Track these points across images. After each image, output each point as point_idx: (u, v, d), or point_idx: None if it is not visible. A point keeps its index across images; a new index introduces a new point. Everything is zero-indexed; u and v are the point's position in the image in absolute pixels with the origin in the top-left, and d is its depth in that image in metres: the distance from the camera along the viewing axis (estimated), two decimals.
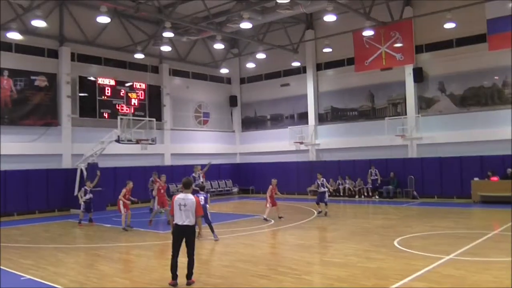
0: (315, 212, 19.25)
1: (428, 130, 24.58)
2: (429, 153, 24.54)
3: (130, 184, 16.92)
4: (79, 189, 22.48)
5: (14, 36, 21.33)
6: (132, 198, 17.19)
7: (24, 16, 21.93)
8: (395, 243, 12.24)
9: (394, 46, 25.02)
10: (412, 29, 24.53)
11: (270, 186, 18.26)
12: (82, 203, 18.18)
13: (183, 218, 8.45)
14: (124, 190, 16.69)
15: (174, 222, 8.59)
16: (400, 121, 25.33)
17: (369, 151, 26.71)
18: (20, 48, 23.21)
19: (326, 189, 18.78)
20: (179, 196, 8.66)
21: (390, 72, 26.18)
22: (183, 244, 8.56)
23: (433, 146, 24.38)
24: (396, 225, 15.97)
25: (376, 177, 25.73)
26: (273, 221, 17.34)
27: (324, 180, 19.07)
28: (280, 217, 17.78)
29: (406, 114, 25.50)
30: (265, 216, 17.56)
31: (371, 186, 25.81)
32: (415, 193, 24.51)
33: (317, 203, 18.95)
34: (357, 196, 26.10)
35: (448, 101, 24.46)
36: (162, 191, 17.67)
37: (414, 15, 24.30)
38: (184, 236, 8.50)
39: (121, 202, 16.45)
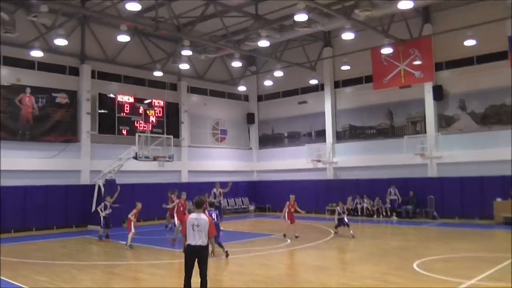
0: (332, 232, 18.97)
1: (448, 149, 24.17)
2: (450, 173, 24.09)
3: (139, 206, 16.94)
4: (97, 205, 22.67)
5: (37, 54, 21.79)
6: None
7: (47, 35, 22.32)
8: (415, 265, 11.93)
9: (413, 64, 24.80)
10: (431, 46, 24.32)
11: (288, 202, 18.08)
12: (102, 218, 18.16)
13: (196, 239, 8.33)
14: (134, 211, 16.75)
15: (187, 243, 8.44)
16: (420, 140, 24.97)
17: (388, 170, 26.35)
18: (42, 65, 23.62)
19: (344, 216, 18.32)
20: (192, 216, 8.52)
21: (409, 89, 25.92)
22: (196, 264, 8.45)
23: (454, 165, 23.93)
24: (415, 246, 15.64)
25: (395, 197, 25.25)
26: (289, 240, 17.13)
27: (344, 207, 18.68)
28: (296, 236, 17.58)
29: (425, 133, 25.15)
30: (284, 233, 17.88)
31: (390, 206, 25.37)
32: (435, 213, 24.04)
33: (336, 228, 18.64)
34: (375, 216, 25.70)
35: (469, 119, 24.07)
36: (182, 208, 17.48)
37: (434, 32, 24.11)
38: (197, 256, 8.37)
39: (131, 221, 16.44)
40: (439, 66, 24.88)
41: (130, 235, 16.40)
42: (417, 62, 24.59)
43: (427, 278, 10.61)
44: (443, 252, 14.07)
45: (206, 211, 16.66)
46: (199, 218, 8.44)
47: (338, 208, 18.65)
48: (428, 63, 24.45)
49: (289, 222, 17.85)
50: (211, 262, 9.20)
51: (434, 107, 25.01)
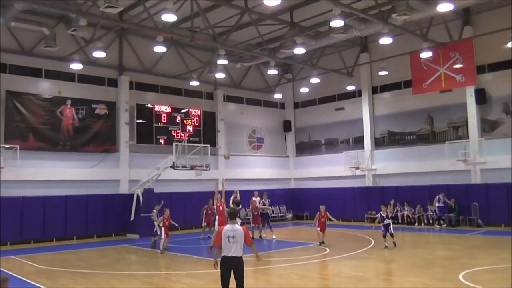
0: (372, 241, 18.51)
1: (493, 154, 23.26)
2: (494, 179, 23.15)
3: (167, 211, 17.63)
4: (135, 215, 22.98)
5: (76, 66, 22.39)
6: (173, 222, 17.70)
7: (86, 48, 22.86)
8: (460, 277, 11.42)
9: (454, 67, 24.11)
10: (472, 49, 23.58)
11: (318, 213, 18.27)
12: (157, 227, 18.12)
13: (231, 250, 8.24)
14: (161, 218, 17.48)
15: (222, 254, 8.33)
16: (462, 145, 24.18)
17: (429, 177, 25.62)
18: (82, 78, 24.19)
19: (390, 221, 17.30)
20: (227, 228, 8.42)
21: (450, 94, 25.17)
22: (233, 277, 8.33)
23: (499, 171, 22.96)
24: (460, 256, 15.03)
25: (443, 205, 24.05)
26: (328, 250, 16.82)
27: (388, 210, 17.46)
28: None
29: (468, 138, 24.33)
30: (320, 241, 17.91)
31: (437, 214, 24.20)
32: (479, 221, 23.15)
33: (384, 236, 17.21)
34: (416, 224, 24.99)
35: None
36: (221, 208, 18.75)
37: (475, 35, 23.37)
38: (233, 267, 8.27)
39: (162, 227, 17.27)
40: (481, 69, 24.07)
41: (161, 242, 16.90)
42: (458, 66, 23.89)
43: None
44: (490, 262, 13.47)
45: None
46: (234, 229, 8.37)
47: (381, 212, 17.38)
48: (470, 66, 23.71)
49: (319, 229, 17.99)
50: (249, 273, 9.07)
51: (477, 111, 24.18)
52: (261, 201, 21.51)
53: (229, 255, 8.24)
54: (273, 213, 29.48)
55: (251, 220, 21.45)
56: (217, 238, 8.54)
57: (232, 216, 8.67)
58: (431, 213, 24.53)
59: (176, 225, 18.11)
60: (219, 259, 8.44)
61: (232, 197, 20.55)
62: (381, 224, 17.26)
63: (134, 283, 12.26)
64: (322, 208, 18.33)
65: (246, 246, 8.40)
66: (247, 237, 8.43)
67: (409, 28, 21.57)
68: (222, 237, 8.34)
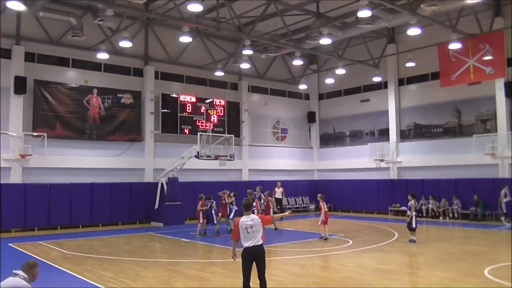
0: (395, 234, 18.34)
1: None
2: None
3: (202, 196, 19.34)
4: (160, 203, 23.25)
5: (103, 56, 22.65)
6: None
7: (112, 38, 23.09)
8: (486, 272, 11.25)
9: (483, 59, 23.57)
10: (503, 40, 23.00)
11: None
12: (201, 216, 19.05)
13: (251, 240, 8.24)
14: (200, 202, 18.92)
15: (243, 246, 8.29)
16: (490, 139, 23.71)
17: (455, 170, 25.22)
18: (108, 67, 24.48)
19: (415, 213, 16.58)
20: (243, 220, 8.38)
21: (478, 86, 24.63)
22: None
23: None
24: (486, 251, 14.78)
25: (511, 198, 21.91)
26: (351, 241, 16.73)
27: (412, 202, 16.58)
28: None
29: (496, 131, 23.84)
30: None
31: (504, 210, 22.16)
32: (506, 217, 22.70)
33: (411, 229, 16.54)
34: (441, 218, 24.68)
35: None
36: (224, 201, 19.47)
37: (506, 26, 22.79)
38: (255, 257, 8.26)
39: (200, 212, 18.85)
40: (511, 62, 23.50)
41: (199, 226, 18.77)
42: (488, 58, 23.35)
43: (500, 286, 9.98)
44: None
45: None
46: (251, 219, 8.38)
47: (413, 201, 16.48)
48: (500, 58, 23.15)
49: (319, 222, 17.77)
50: (271, 263, 9.09)
51: (506, 105, 23.65)
52: (228, 197, 19.90)
53: (250, 245, 8.22)
54: (288, 204, 29.43)
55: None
56: (234, 231, 8.61)
57: (247, 207, 8.62)
58: (504, 210, 22.30)
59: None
60: (239, 250, 8.43)
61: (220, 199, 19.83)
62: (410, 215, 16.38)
63: (158, 270, 12.41)
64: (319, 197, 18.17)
65: (269, 227, 8.41)
66: (265, 220, 8.55)
67: (437, 19, 21.14)
68: (240, 229, 8.33)
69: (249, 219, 8.35)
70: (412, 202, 16.59)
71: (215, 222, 19.07)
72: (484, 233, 19.70)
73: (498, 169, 23.78)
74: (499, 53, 23.14)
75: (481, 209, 23.47)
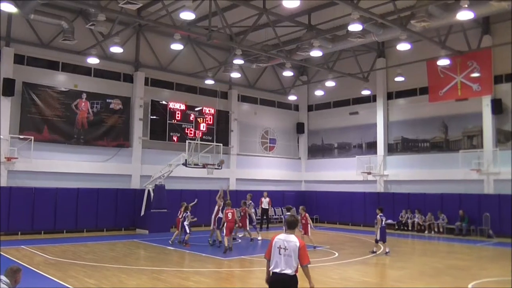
0: (381, 247, 18.39)
1: (507, 165, 22.98)
2: (508, 190, 22.87)
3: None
4: (146, 210, 23.10)
5: (93, 61, 22.57)
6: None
7: (103, 43, 23.03)
8: (470, 287, 11.34)
9: (471, 76, 23.88)
10: (491, 58, 23.33)
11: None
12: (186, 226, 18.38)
13: (282, 265, 6.69)
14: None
15: (272, 269, 6.82)
16: (476, 155, 23.97)
17: (441, 185, 25.42)
18: (98, 72, 24.38)
19: (385, 225, 17.11)
20: (280, 237, 6.90)
21: (465, 102, 24.94)
22: None
23: None
24: (470, 266, 14.90)
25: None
26: (336, 253, 16.75)
27: (378, 217, 17.03)
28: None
29: (482, 147, 24.12)
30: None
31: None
32: (491, 231, 22.92)
33: (379, 241, 17.05)
34: (426, 232, 24.82)
35: None
36: (229, 215, 17.63)
37: (494, 44, 23.15)
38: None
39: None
40: (498, 79, 23.84)
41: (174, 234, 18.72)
42: (475, 75, 23.68)
43: None
44: (500, 274, 13.34)
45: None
46: (288, 240, 6.81)
47: (378, 216, 16.96)
48: (487, 76, 23.48)
49: (302, 232, 17.83)
50: (254, 273, 9.03)
51: (492, 121, 23.95)
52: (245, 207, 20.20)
53: (279, 271, 6.71)
54: (275, 214, 29.56)
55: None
56: (268, 249, 7.00)
57: (291, 225, 7.02)
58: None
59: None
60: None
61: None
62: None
63: (142, 278, 12.31)
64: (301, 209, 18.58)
65: (300, 266, 6.76)
66: (302, 253, 6.73)
67: (427, 35, 21.43)
68: (272, 248, 6.87)
69: (287, 239, 6.82)
70: (377, 217, 16.97)
71: (187, 232, 18.27)
72: (468, 248, 19.84)
73: (483, 185, 24.00)
74: (486, 70, 23.47)
75: (466, 224, 23.66)
